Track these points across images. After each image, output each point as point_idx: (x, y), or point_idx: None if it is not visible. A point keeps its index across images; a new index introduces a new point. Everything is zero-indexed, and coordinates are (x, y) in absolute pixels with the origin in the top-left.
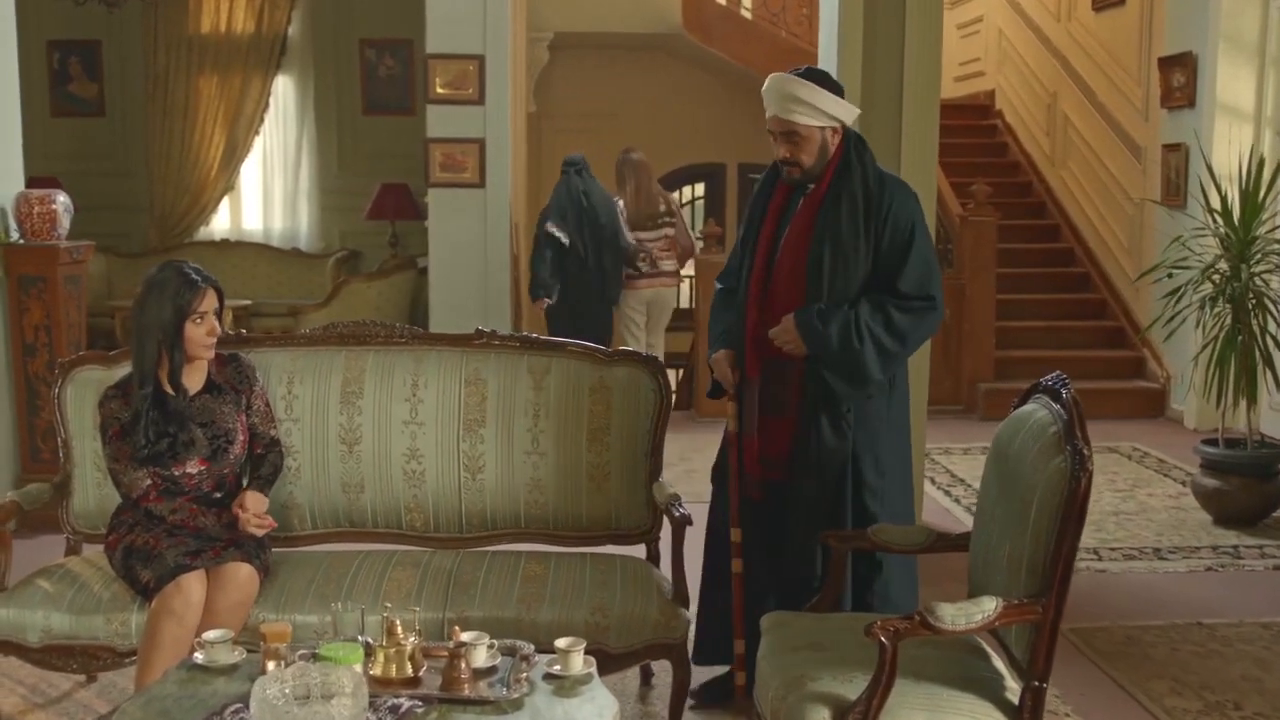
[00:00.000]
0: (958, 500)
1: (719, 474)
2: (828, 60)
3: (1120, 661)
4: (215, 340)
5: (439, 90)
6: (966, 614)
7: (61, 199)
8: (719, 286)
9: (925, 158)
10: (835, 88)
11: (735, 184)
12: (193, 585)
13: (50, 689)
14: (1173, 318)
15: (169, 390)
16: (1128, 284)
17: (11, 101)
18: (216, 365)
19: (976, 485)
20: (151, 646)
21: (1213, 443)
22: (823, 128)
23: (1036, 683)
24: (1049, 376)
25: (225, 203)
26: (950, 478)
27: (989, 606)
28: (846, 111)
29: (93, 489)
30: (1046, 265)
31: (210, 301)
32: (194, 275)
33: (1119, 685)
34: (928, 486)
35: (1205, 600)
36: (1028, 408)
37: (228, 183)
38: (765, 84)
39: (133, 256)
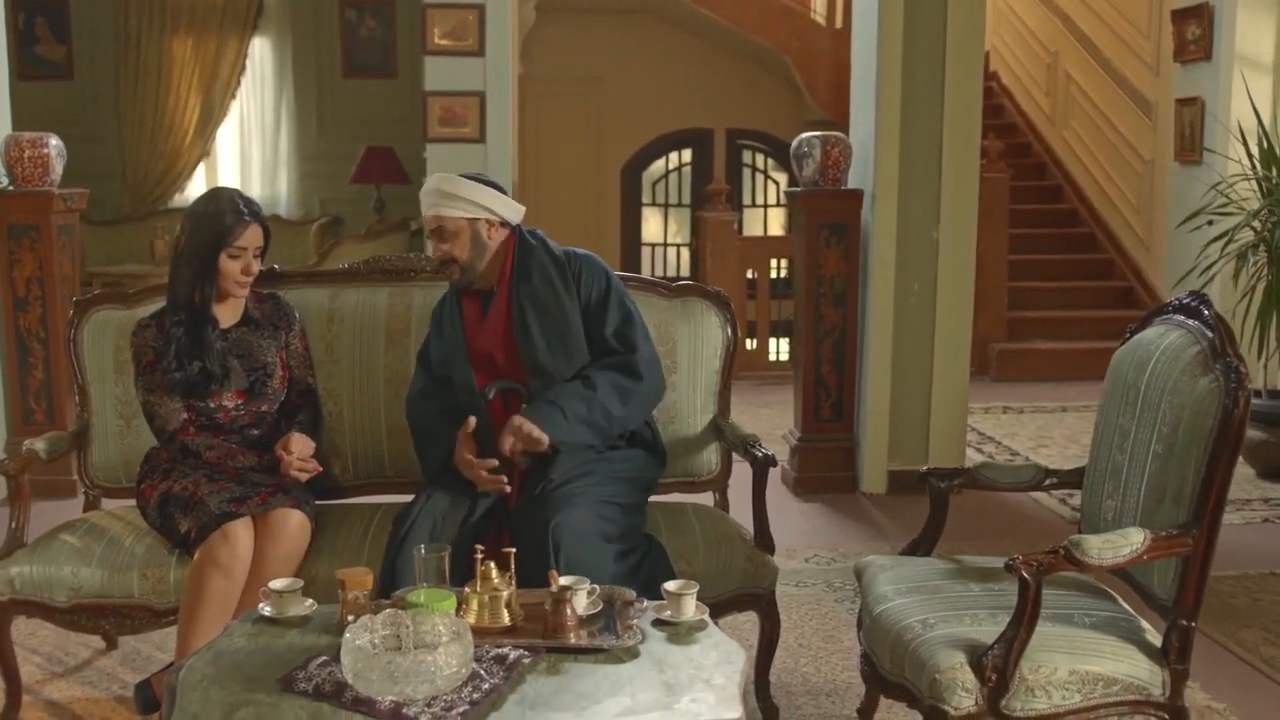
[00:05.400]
0: (991, 458)
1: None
2: (865, 21)
3: (1204, 612)
4: (250, 280)
5: (437, 41)
6: (1114, 547)
7: (54, 143)
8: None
9: (968, 119)
10: (492, 185)
11: (723, 150)
12: (239, 534)
13: (68, 657)
14: (1211, 266)
15: (203, 320)
16: (1137, 243)
17: None
18: (254, 301)
19: (1007, 443)
20: (196, 602)
21: (1255, 394)
22: (472, 219)
23: (1184, 621)
24: (1182, 295)
25: (201, 169)
26: (980, 436)
27: (1137, 539)
28: (506, 207)
29: (114, 438)
30: (1051, 226)
31: (253, 238)
32: (241, 207)
33: (1208, 636)
34: None
35: (1272, 551)
36: (1153, 331)
37: (203, 149)
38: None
39: (105, 224)
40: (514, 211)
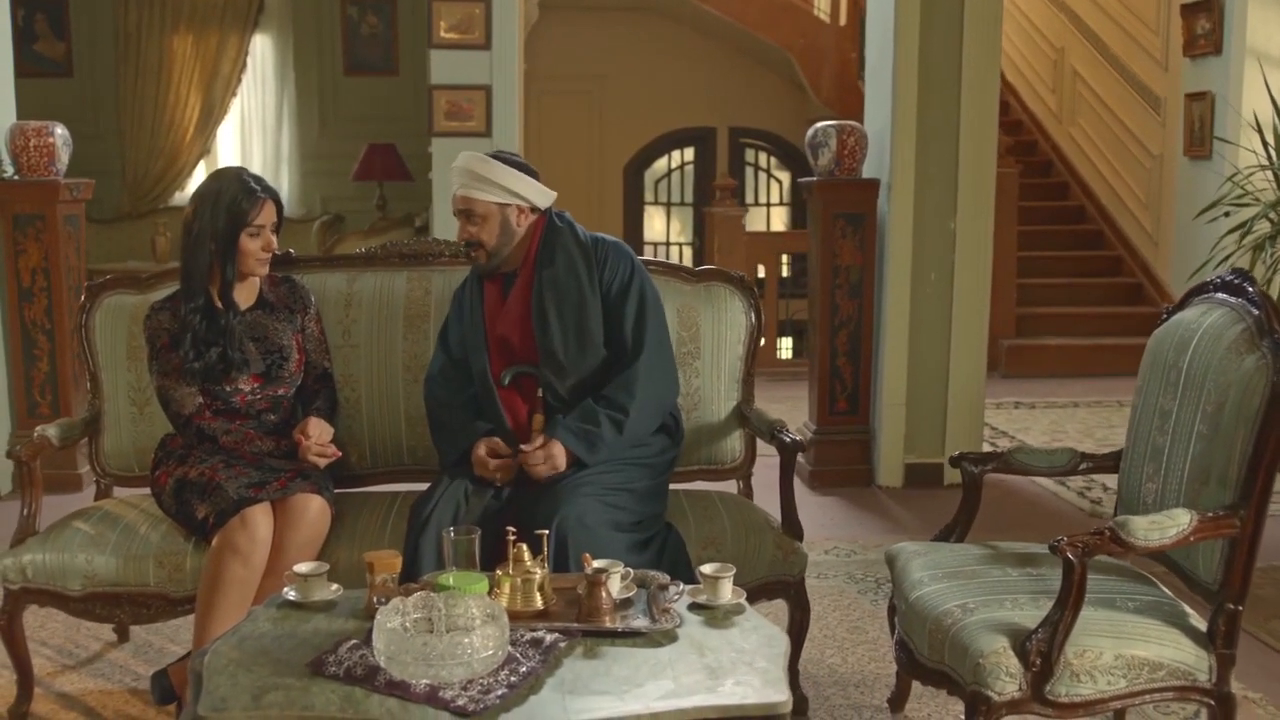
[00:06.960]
0: None
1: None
2: (880, 9)
3: None
4: (270, 257)
5: (443, 34)
6: (1161, 528)
7: (60, 131)
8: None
9: (986, 109)
10: (525, 169)
11: (726, 148)
12: (258, 519)
13: (79, 650)
14: (1227, 258)
15: (219, 305)
16: (1145, 239)
17: (1, 30)
18: (269, 284)
19: (1020, 437)
20: (214, 589)
21: None
22: (503, 205)
23: (1231, 605)
24: (1223, 273)
25: (201, 167)
26: (993, 431)
27: (1184, 520)
28: (536, 192)
29: (127, 425)
30: (1058, 223)
31: (269, 215)
32: (253, 184)
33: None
34: None
35: None
36: (1192, 310)
37: (204, 146)
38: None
39: (104, 222)
40: (545, 197)
